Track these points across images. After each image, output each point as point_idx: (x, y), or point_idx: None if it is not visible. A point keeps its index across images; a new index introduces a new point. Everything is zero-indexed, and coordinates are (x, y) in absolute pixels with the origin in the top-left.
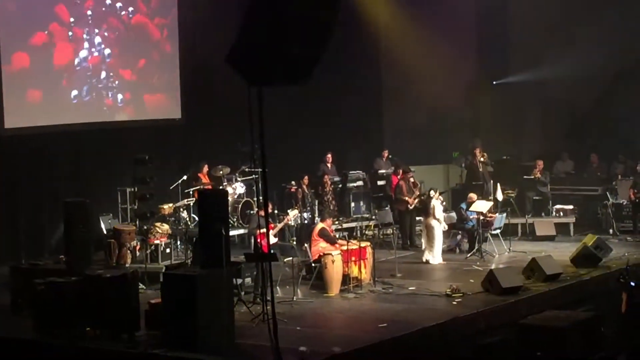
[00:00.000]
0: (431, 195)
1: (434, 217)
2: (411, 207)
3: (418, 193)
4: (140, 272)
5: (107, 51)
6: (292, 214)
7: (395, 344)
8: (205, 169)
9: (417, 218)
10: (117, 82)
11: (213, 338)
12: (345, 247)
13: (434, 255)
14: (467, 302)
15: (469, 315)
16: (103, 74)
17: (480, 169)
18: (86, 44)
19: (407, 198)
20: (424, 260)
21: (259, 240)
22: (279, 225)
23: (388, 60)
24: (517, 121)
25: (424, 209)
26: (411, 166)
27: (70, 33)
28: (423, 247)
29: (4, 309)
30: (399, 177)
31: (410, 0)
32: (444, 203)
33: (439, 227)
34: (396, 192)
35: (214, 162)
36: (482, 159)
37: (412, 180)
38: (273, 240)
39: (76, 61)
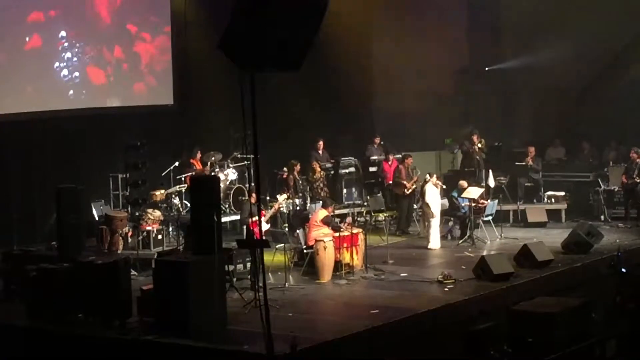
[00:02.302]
0: (426, 179)
1: (424, 202)
2: (408, 192)
3: (416, 179)
4: (132, 258)
5: (98, 37)
6: (281, 199)
7: (387, 330)
8: (199, 155)
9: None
10: (108, 67)
11: (205, 324)
12: (347, 233)
13: (431, 240)
14: (459, 288)
15: (461, 302)
16: (94, 60)
17: (477, 157)
18: (77, 29)
19: (405, 182)
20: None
21: (251, 228)
22: (270, 212)
23: (379, 46)
24: (508, 107)
25: (421, 193)
26: (403, 152)
27: (60, 18)
28: (420, 232)
29: None
30: (390, 163)
31: None
32: (445, 187)
33: (429, 213)
34: (395, 176)
35: (206, 148)
36: (479, 145)
37: (411, 166)
38: (265, 227)
39: (67, 47)
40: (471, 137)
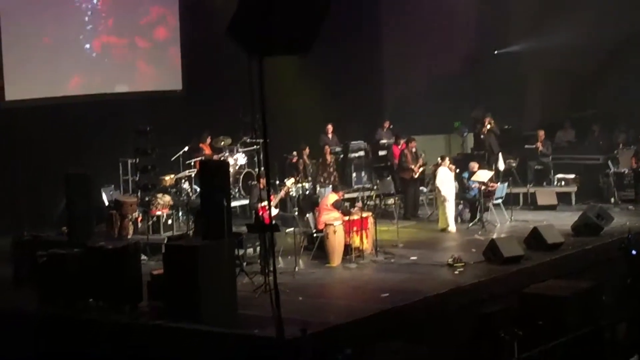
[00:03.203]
0: (438, 162)
1: (435, 185)
2: (416, 176)
3: (422, 162)
4: (142, 243)
5: (107, 22)
6: (289, 183)
7: (397, 314)
8: (208, 140)
9: (420, 188)
10: (118, 53)
11: (215, 309)
12: (356, 217)
13: (447, 223)
14: (469, 271)
15: (471, 285)
16: (104, 46)
17: (487, 140)
18: (86, 15)
19: (412, 166)
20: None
21: (260, 213)
22: (278, 196)
23: (389, 29)
24: (518, 90)
25: (434, 176)
26: (412, 136)
27: (69, 3)
28: (430, 215)
29: (6, 281)
30: (400, 146)
31: None
32: (457, 170)
33: (440, 195)
34: (401, 161)
35: (215, 132)
36: (488, 126)
37: (414, 150)
38: (274, 211)
39: (76, 32)
40: (483, 119)
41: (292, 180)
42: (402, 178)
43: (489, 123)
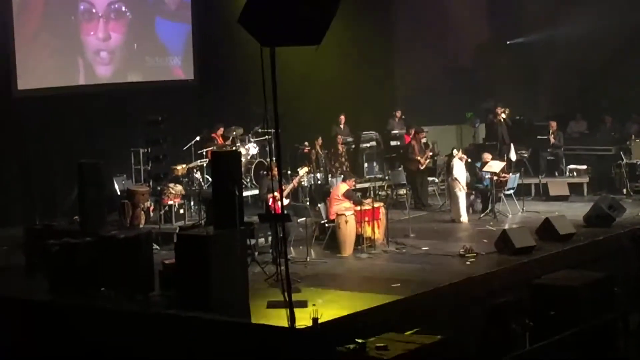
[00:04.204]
0: (454, 154)
1: (452, 177)
2: (422, 168)
3: (430, 154)
4: (154, 232)
5: (119, 12)
6: (302, 172)
7: (409, 304)
8: (221, 130)
9: (430, 178)
10: (130, 43)
11: (227, 298)
12: (369, 207)
13: (460, 214)
14: (481, 262)
15: (483, 275)
16: (115, 35)
17: (500, 130)
18: (97, 6)
19: (418, 158)
20: (452, 219)
21: (270, 204)
22: (289, 186)
23: (401, 20)
24: (530, 81)
25: (447, 167)
26: (424, 127)
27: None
28: (441, 205)
29: (18, 270)
30: (411, 137)
31: None
32: (469, 161)
33: (457, 187)
34: (407, 152)
35: (227, 122)
36: (503, 116)
37: (423, 140)
38: (285, 201)
39: (88, 22)
40: (495, 109)
41: (306, 169)
42: (409, 169)
43: (503, 112)
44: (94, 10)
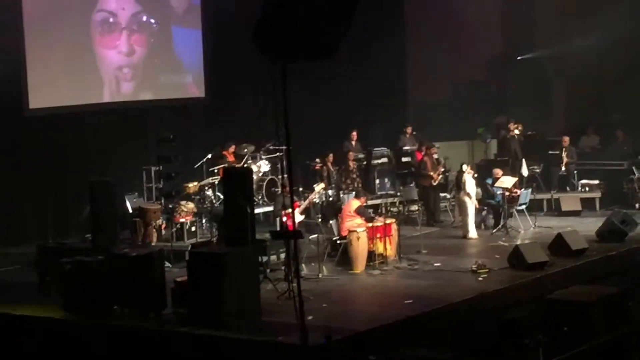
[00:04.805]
0: (463, 170)
1: (465, 192)
2: (435, 183)
3: (442, 169)
4: (166, 250)
5: (130, 29)
6: (318, 188)
7: (421, 320)
8: (232, 148)
9: (442, 194)
10: (151, 57)
11: (239, 315)
12: (380, 223)
13: (468, 230)
14: (493, 277)
15: (495, 291)
16: (127, 52)
17: (512, 145)
18: (109, 23)
19: (431, 173)
20: (462, 235)
21: (284, 220)
22: (305, 203)
23: (413, 36)
24: (542, 96)
25: (457, 183)
26: (435, 142)
27: (93, 11)
28: (453, 221)
29: (31, 288)
30: (423, 153)
31: None
32: (476, 176)
33: (470, 202)
34: (420, 168)
35: (238, 140)
36: (517, 132)
37: (435, 156)
38: (299, 218)
39: (100, 40)
40: (507, 124)
41: (322, 185)
42: (422, 185)
43: (516, 128)
44: (111, 20)
